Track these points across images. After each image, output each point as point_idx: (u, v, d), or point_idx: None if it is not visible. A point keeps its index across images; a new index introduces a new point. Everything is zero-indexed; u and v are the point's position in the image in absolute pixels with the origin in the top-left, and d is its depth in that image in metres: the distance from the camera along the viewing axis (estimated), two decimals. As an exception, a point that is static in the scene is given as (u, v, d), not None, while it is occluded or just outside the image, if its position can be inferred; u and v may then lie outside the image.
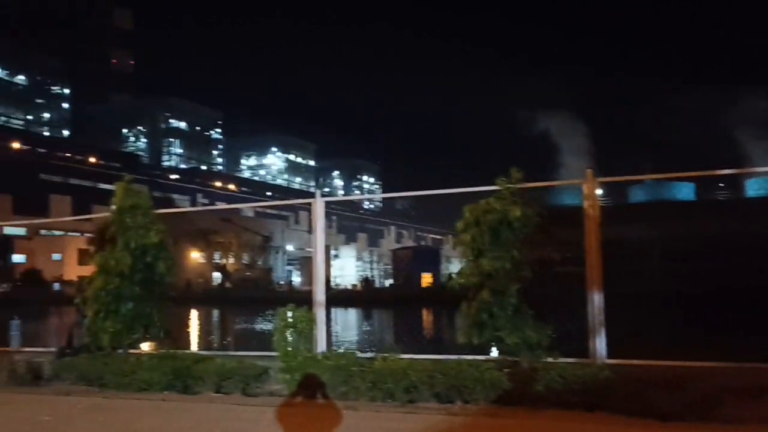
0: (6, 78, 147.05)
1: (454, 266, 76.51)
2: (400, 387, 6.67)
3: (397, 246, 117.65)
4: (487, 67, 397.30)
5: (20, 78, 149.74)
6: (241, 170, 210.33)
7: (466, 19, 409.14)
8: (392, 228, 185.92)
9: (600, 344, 7.14)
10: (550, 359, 6.81)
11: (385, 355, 7.27)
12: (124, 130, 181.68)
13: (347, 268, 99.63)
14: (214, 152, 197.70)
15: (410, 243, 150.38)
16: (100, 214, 9.68)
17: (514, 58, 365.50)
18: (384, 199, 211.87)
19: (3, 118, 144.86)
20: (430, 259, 79.03)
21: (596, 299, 7.17)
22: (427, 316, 38.03)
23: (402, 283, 73.49)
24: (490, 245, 7.03)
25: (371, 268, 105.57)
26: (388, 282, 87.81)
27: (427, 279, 71.92)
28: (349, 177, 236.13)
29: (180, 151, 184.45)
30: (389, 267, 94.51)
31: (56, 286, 73.53)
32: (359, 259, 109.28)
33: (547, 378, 6.30)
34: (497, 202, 7.12)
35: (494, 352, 7.28)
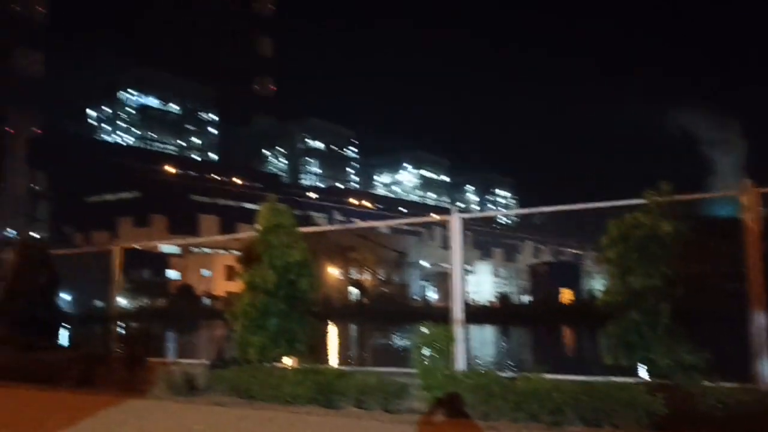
0: (161, 108, 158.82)
1: (595, 282, 73.83)
2: (545, 409, 6.46)
3: (535, 261, 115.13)
4: (629, 72, 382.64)
5: (173, 107, 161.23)
6: (375, 187, 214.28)
7: (604, 25, 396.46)
8: (529, 243, 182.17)
9: (766, 368, 6.59)
10: (707, 383, 6.36)
11: (528, 374, 7.07)
12: (266, 152, 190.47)
13: (483, 284, 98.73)
14: (349, 170, 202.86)
15: (548, 258, 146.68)
16: (246, 234, 10.14)
17: (659, 62, 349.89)
18: (520, 213, 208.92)
19: (159, 145, 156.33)
20: (570, 274, 76.73)
21: (761, 319, 6.62)
22: (568, 334, 36.82)
23: (541, 299, 71.75)
24: (637, 262, 6.69)
25: (508, 284, 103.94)
26: (526, 298, 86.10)
27: (567, 295, 69.83)
28: (483, 191, 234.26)
29: (317, 170, 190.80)
30: (527, 283, 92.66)
31: (206, 300, 78.02)
32: (495, 274, 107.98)
33: (705, 403, 5.87)
34: (645, 217, 6.76)
35: (645, 374, 6.90)
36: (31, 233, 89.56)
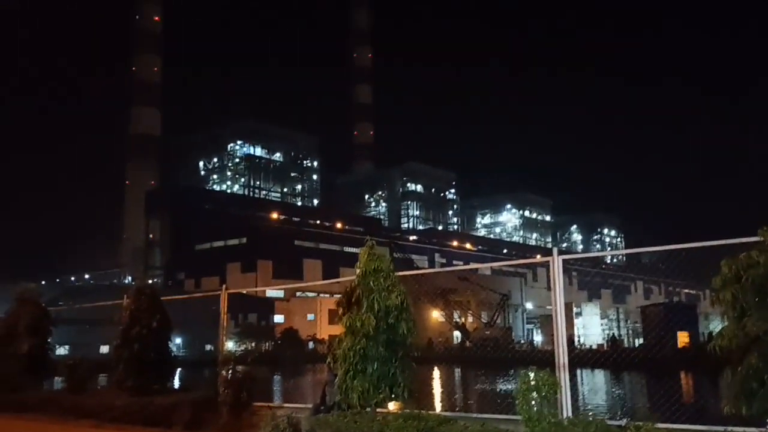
0: (266, 156, 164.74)
1: (714, 324, 69.67)
2: (658, 460, 6.10)
3: (646, 303, 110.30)
4: (740, 104, 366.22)
5: (277, 156, 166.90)
6: (476, 229, 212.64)
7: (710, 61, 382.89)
8: (639, 283, 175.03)
9: None
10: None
11: (639, 423, 6.72)
12: (366, 196, 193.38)
13: (591, 327, 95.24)
14: (450, 212, 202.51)
15: (660, 299, 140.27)
16: (346, 278, 10.26)
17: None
18: (628, 253, 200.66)
19: (264, 192, 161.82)
20: (686, 316, 72.68)
21: None
22: (685, 380, 34.85)
23: (654, 342, 68.32)
24: (755, 304, 6.25)
25: (618, 327, 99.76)
26: (638, 341, 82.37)
27: (683, 339, 66.18)
28: (588, 231, 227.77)
29: (417, 213, 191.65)
30: (638, 325, 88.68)
31: (310, 344, 79.17)
32: (604, 317, 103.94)
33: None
34: (761, 255, 6.35)
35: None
36: (147, 280, 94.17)
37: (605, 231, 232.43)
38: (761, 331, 6.09)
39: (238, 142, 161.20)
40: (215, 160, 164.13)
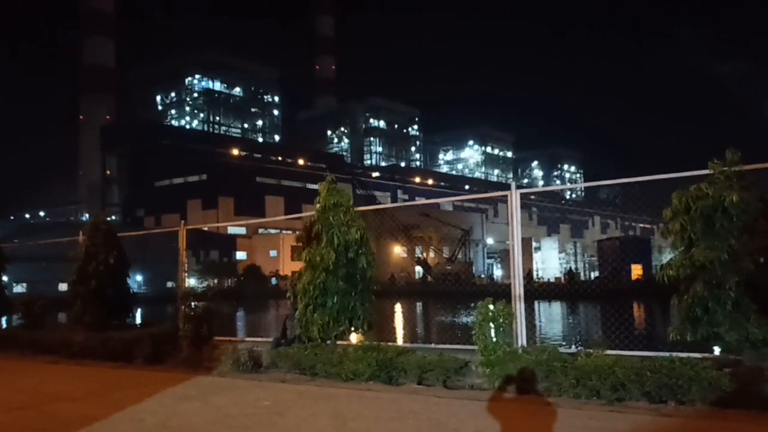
0: (225, 91, 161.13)
1: (666, 257, 71.69)
2: (607, 384, 6.34)
3: (603, 237, 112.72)
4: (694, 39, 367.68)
5: (237, 90, 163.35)
6: (439, 165, 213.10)
7: None
8: (596, 218, 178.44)
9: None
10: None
11: (590, 350, 6.96)
12: (329, 132, 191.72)
13: (550, 261, 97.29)
14: (412, 149, 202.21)
15: (617, 233, 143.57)
16: (307, 213, 10.26)
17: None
18: (586, 188, 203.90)
19: (224, 128, 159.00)
20: (640, 249, 74.65)
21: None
22: (637, 311, 36.04)
23: (609, 275, 70.26)
24: (702, 234, 6.43)
25: (575, 261, 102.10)
26: (594, 274, 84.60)
27: (636, 271, 68.17)
28: (549, 167, 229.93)
29: (380, 149, 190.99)
30: (594, 259, 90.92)
31: (273, 280, 79.51)
32: (562, 251, 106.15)
33: (775, 380, 5.65)
34: (710, 188, 6.51)
35: (716, 350, 6.69)
36: (104, 217, 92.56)
37: (566, 167, 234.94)
38: (707, 260, 6.29)
39: (197, 76, 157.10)
40: (173, 94, 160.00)
